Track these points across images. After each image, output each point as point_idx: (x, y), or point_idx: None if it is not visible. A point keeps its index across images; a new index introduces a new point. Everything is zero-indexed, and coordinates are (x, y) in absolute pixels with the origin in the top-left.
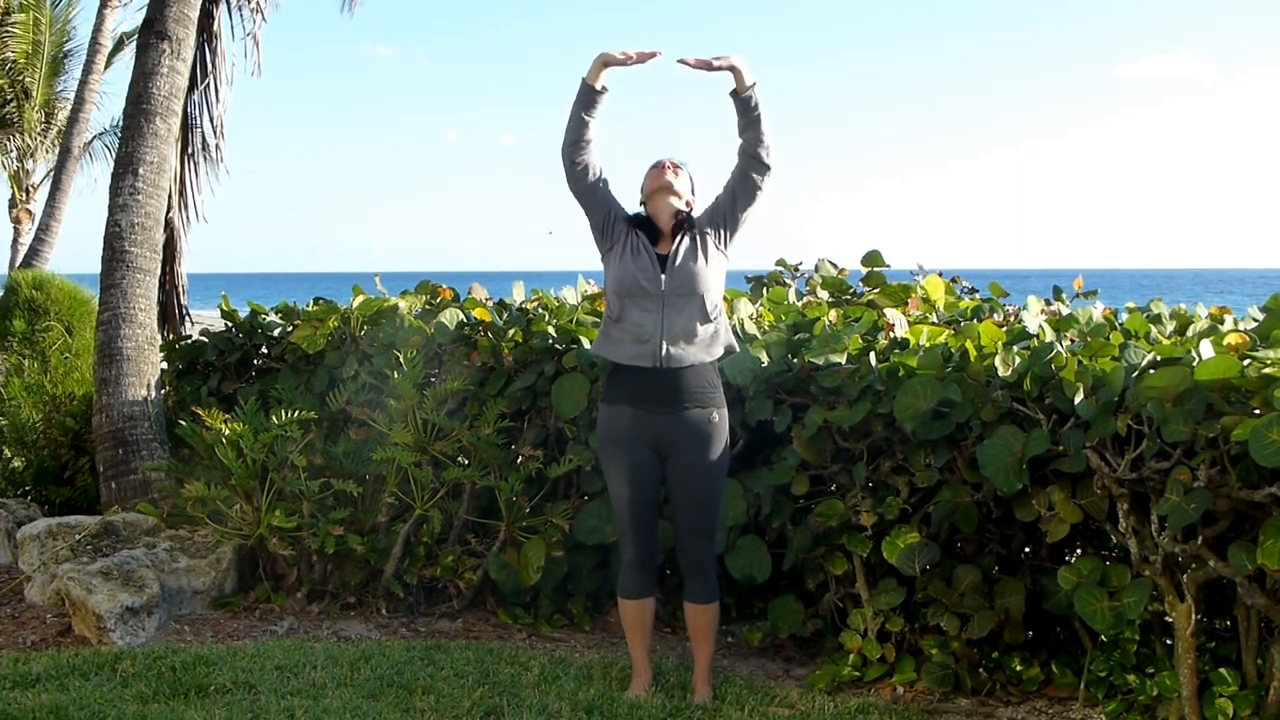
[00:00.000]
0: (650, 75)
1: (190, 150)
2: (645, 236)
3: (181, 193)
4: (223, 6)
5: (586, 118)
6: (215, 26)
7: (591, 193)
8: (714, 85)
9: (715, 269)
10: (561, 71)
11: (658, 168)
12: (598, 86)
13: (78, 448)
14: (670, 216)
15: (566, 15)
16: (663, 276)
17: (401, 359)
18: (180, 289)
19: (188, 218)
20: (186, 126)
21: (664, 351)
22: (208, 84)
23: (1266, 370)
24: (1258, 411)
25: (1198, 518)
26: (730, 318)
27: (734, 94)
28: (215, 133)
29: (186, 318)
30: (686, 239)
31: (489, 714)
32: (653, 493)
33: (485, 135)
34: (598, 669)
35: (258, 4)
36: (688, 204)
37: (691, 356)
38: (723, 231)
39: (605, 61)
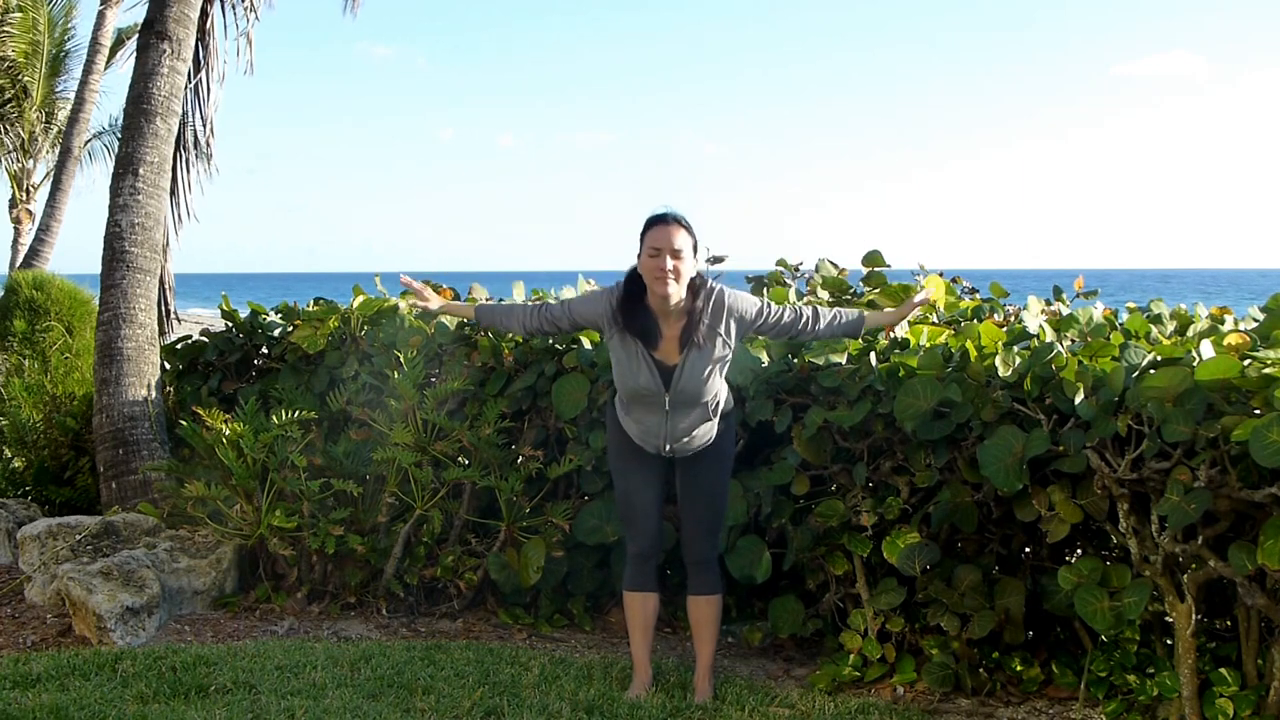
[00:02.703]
0: (649, 73)
1: (181, 148)
2: (643, 345)
3: (172, 191)
4: (216, 4)
5: (512, 329)
6: (208, 24)
7: (573, 327)
8: (715, 89)
9: (721, 368)
10: (560, 71)
11: (657, 258)
12: (473, 321)
13: (78, 448)
14: (674, 321)
15: (564, 14)
16: (666, 396)
17: (402, 359)
18: (168, 288)
19: (179, 216)
20: (178, 124)
21: (668, 447)
22: (199, 81)
23: (1267, 370)
24: (1258, 411)
25: (1198, 518)
26: None
27: (860, 328)
28: (206, 130)
29: (174, 317)
30: (695, 350)
31: (489, 714)
32: (659, 489)
33: (483, 135)
34: (598, 669)
35: (251, 2)
36: (692, 275)
37: (697, 444)
38: (744, 332)
39: (436, 311)
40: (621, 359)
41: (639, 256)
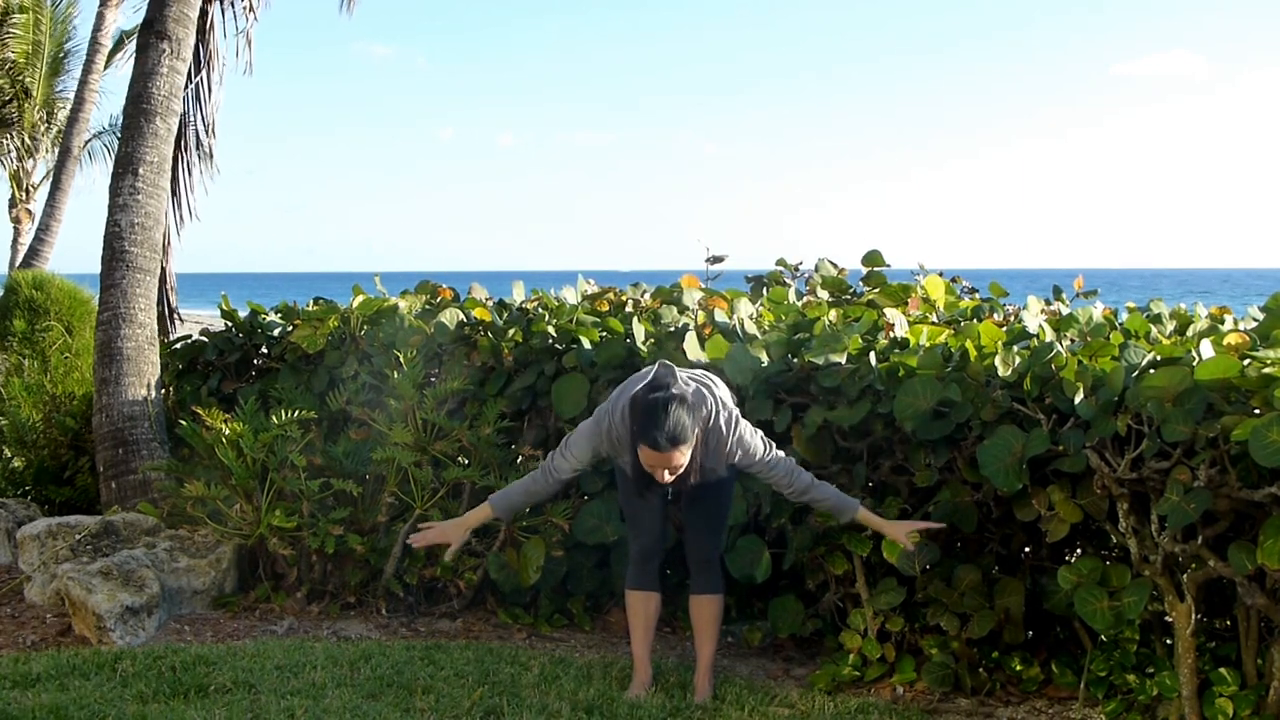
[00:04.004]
0: (649, 73)
1: (183, 149)
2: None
3: (174, 192)
4: (215, 5)
5: (534, 501)
6: (208, 25)
7: (585, 467)
8: (715, 89)
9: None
10: (560, 71)
11: (656, 469)
12: (497, 518)
13: (78, 448)
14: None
15: (562, 13)
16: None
17: (401, 359)
18: (170, 288)
19: (180, 216)
20: (179, 125)
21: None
22: (199, 82)
23: (1266, 370)
24: (1258, 411)
25: (1198, 517)
26: (730, 318)
27: (847, 515)
28: (207, 131)
29: (176, 317)
30: (694, 482)
31: (489, 714)
32: (662, 490)
33: (483, 135)
34: (598, 669)
35: (250, 2)
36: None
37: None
38: (735, 463)
39: (464, 536)
40: (623, 472)
41: (635, 446)
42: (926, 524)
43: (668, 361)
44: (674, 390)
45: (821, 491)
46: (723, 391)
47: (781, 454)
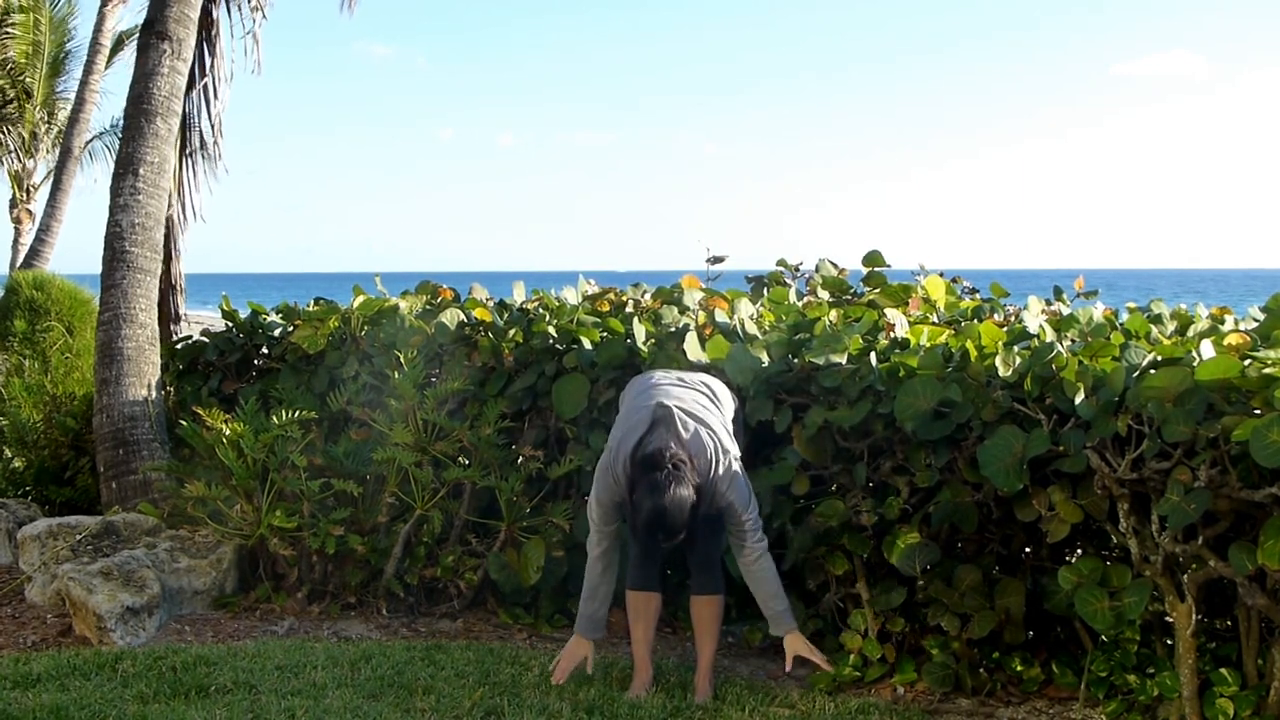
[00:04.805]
0: (649, 73)
1: (189, 149)
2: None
3: (179, 192)
4: (221, 4)
5: (608, 578)
6: (214, 24)
7: (618, 515)
8: (715, 89)
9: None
10: (560, 71)
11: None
12: (595, 637)
13: (78, 448)
14: None
15: (564, 14)
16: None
17: (402, 359)
18: (178, 288)
19: (185, 217)
20: (184, 125)
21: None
22: (206, 82)
23: (1267, 370)
24: (1258, 411)
25: (1198, 518)
26: (731, 318)
27: (768, 612)
28: (214, 131)
29: (182, 318)
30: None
31: (489, 714)
32: None
33: (483, 135)
34: (598, 669)
35: (258, 2)
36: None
37: None
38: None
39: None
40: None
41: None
42: (819, 657)
43: (665, 402)
44: (670, 456)
45: (770, 586)
46: (724, 411)
47: (759, 527)
